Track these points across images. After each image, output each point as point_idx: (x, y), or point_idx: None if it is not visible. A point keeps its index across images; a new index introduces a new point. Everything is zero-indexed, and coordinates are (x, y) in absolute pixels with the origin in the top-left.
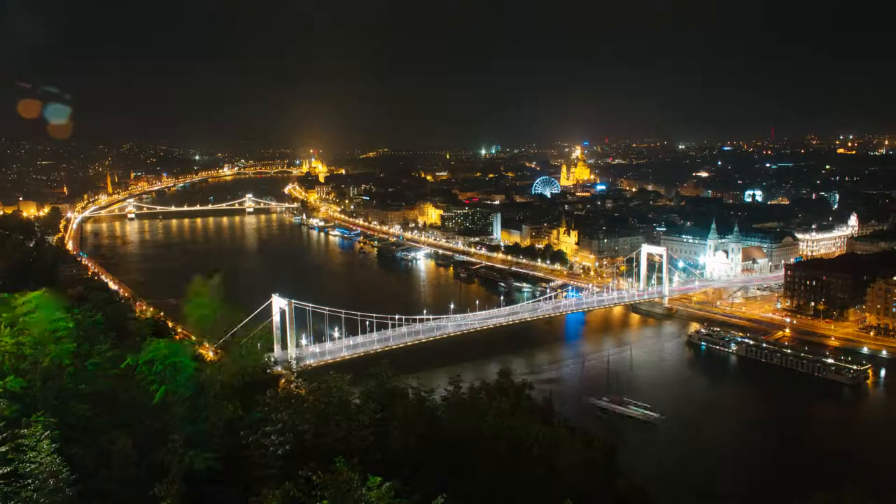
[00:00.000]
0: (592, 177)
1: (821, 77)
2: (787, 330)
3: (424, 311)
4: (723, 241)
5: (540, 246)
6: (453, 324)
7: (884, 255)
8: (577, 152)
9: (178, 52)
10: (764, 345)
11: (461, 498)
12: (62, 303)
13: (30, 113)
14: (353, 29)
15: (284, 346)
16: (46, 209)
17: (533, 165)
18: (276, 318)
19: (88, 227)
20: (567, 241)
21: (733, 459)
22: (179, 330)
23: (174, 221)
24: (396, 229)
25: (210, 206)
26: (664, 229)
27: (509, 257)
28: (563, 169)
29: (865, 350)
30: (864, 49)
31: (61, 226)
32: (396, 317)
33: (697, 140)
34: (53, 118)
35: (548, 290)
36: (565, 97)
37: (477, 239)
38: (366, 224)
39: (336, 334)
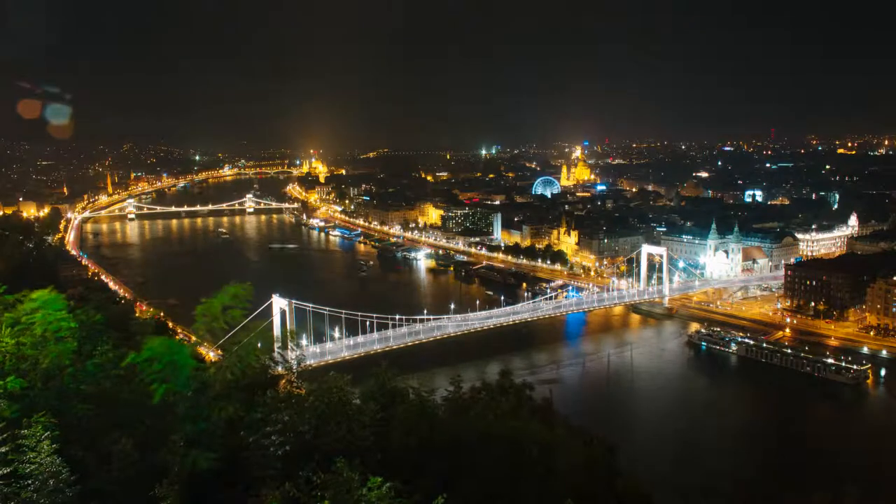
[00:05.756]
0: (593, 177)
1: (821, 77)
2: (787, 330)
3: (425, 311)
4: (723, 241)
5: (540, 246)
6: (454, 324)
7: (884, 255)
8: (578, 152)
9: (178, 52)
10: (764, 345)
11: (461, 498)
12: (64, 302)
13: (30, 113)
14: (354, 29)
15: (285, 347)
16: (46, 209)
17: (533, 165)
18: (277, 318)
19: (88, 227)
20: (567, 242)
21: (733, 459)
22: (179, 330)
23: (174, 221)
24: (397, 229)
25: (210, 207)
26: (664, 229)
27: (510, 257)
28: (564, 169)
29: (865, 350)
30: (865, 49)
31: (61, 226)
32: (397, 317)
33: (697, 140)
34: (53, 118)
35: (548, 290)
36: (565, 97)
37: (477, 239)
38: (366, 224)
39: (336, 334)
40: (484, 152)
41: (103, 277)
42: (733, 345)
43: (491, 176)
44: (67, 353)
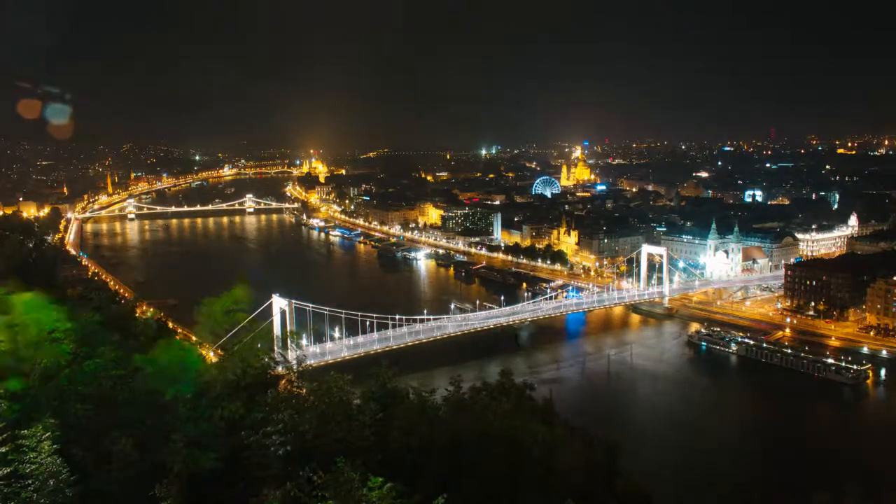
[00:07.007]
0: (593, 177)
1: (822, 77)
2: (788, 330)
3: (425, 312)
4: (723, 241)
5: (540, 246)
6: (454, 324)
7: (884, 255)
8: (578, 152)
9: (178, 52)
10: (764, 345)
11: (461, 498)
12: (56, 304)
13: (30, 113)
14: (354, 29)
15: (285, 347)
16: (46, 209)
17: (533, 165)
18: (277, 318)
19: (88, 227)
20: (567, 242)
21: (733, 459)
22: (180, 330)
23: (174, 221)
24: (397, 229)
25: (210, 207)
26: (664, 229)
27: (510, 257)
28: (564, 169)
29: (865, 350)
30: (865, 49)
31: (61, 226)
32: (397, 317)
33: (697, 140)
34: (53, 118)
35: (548, 290)
36: (565, 97)
37: (477, 239)
38: (366, 224)
39: (336, 334)
40: (484, 152)
41: (103, 277)
42: (733, 345)
43: (491, 176)
44: (63, 354)
